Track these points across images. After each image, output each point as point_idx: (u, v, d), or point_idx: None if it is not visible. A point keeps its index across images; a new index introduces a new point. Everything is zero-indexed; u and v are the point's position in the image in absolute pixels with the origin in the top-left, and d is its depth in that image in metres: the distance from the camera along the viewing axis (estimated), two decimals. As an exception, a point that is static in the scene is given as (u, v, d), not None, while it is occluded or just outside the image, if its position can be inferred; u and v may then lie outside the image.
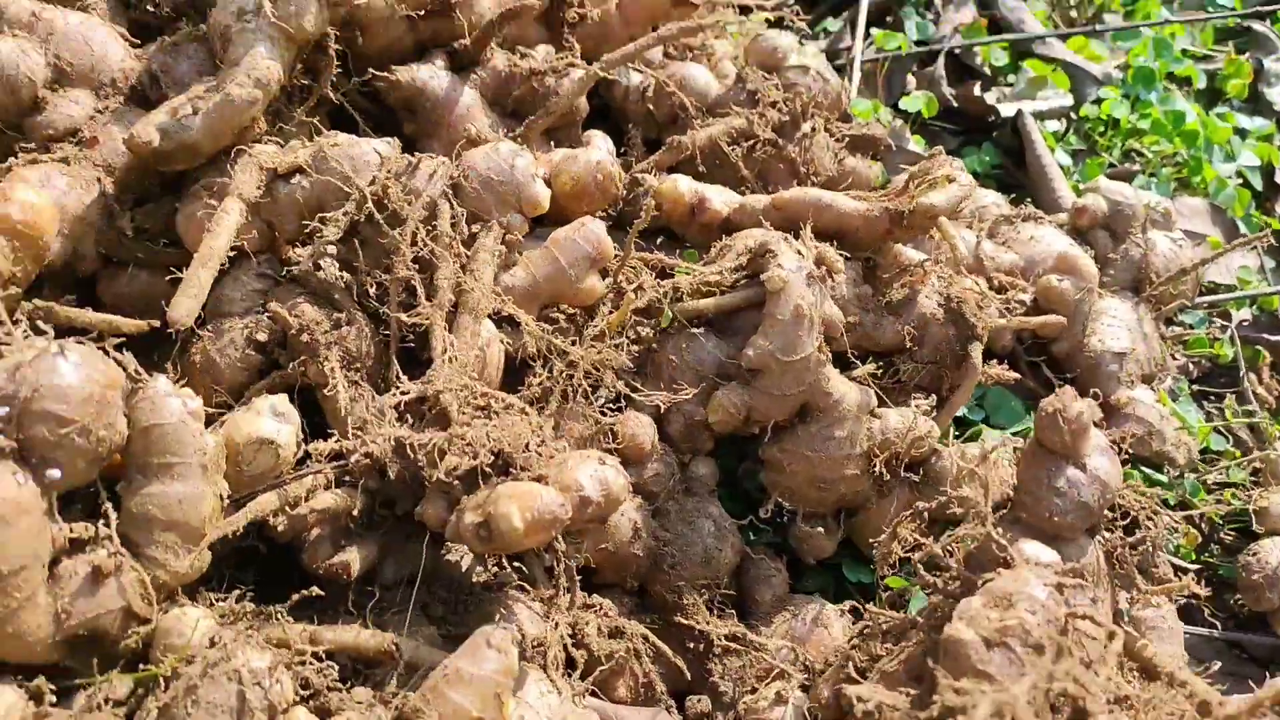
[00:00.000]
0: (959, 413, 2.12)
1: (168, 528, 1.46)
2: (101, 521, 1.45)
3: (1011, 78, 2.91)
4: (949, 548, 1.49)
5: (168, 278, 1.72)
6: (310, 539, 1.64)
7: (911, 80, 2.91)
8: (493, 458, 1.52)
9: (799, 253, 1.84)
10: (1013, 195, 2.52)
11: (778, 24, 2.75)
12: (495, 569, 1.73)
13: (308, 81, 1.97)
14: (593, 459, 1.57)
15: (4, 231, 1.51)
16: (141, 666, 1.43)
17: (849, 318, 1.95)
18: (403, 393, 1.58)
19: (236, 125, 1.75)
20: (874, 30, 2.98)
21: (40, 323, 1.51)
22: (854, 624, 1.85)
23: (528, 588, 1.73)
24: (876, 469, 1.86)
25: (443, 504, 1.58)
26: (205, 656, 1.37)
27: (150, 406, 1.47)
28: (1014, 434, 2.19)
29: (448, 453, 1.53)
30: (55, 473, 1.38)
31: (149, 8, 2.04)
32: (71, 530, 1.43)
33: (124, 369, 1.47)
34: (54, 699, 1.38)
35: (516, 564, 1.74)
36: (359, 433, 1.61)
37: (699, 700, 1.76)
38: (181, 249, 1.82)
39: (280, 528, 1.56)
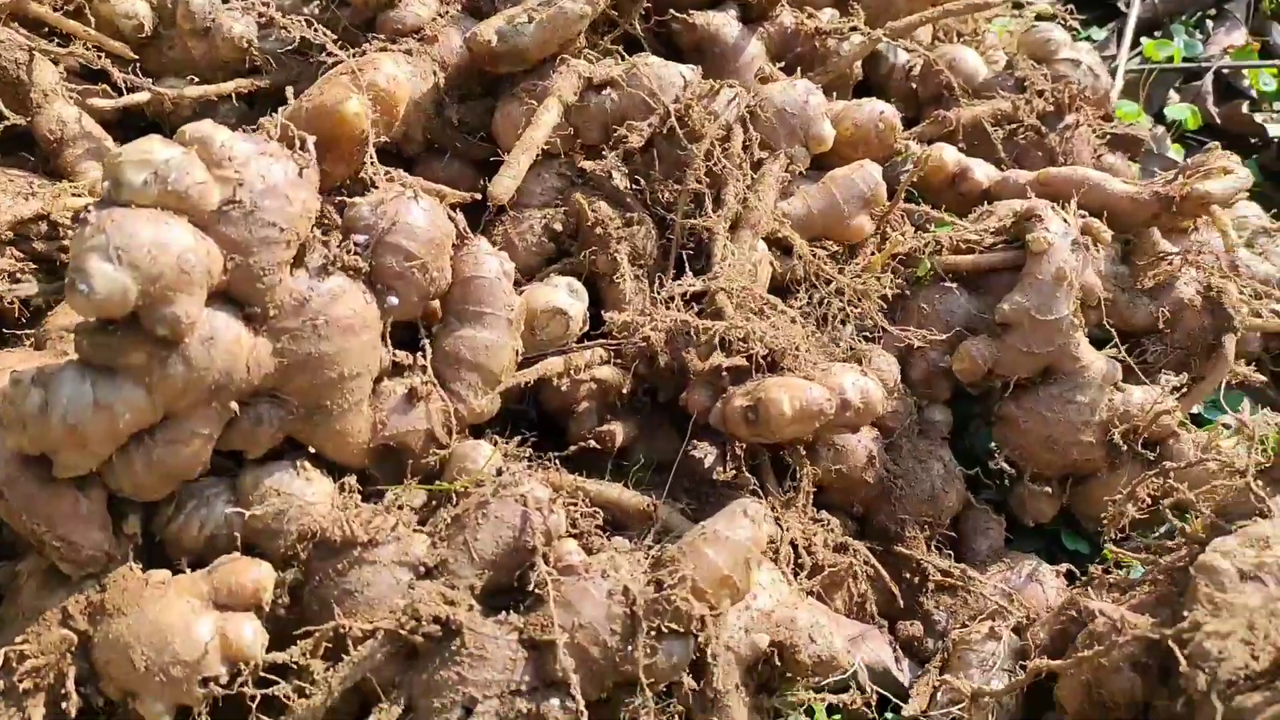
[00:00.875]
0: (1195, 409, 2.12)
1: (472, 368, 1.65)
2: (419, 354, 1.65)
3: (1278, 105, 2.86)
4: (1181, 517, 1.52)
5: (474, 170, 1.93)
6: (578, 410, 1.80)
7: (1174, 95, 2.90)
8: (765, 352, 1.64)
9: (1065, 220, 1.90)
10: (1273, 211, 2.48)
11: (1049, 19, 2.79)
12: (735, 471, 1.85)
13: (615, 14, 2.15)
14: (855, 369, 1.67)
15: (370, 95, 1.73)
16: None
17: (1105, 294, 1.98)
18: (689, 284, 1.72)
19: (564, 37, 1.93)
20: (1143, 39, 2.97)
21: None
22: (1068, 586, 1.89)
23: (761, 495, 1.84)
24: (1113, 439, 1.89)
25: (708, 393, 1.72)
26: (497, 480, 1.53)
27: (473, 261, 1.66)
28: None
29: (721, 347, 1.67)
30: (394, 300, 1.58)
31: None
32: (395, 355, 1.63)
33: (455, 225, 1.66)
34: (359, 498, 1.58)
35: (753, 470, 1.85)
36: (628, 318, 1.76)
37: (911, 624, 1.83)
38: (491, 144, 2.02)
39: (564, 387, 1.73)
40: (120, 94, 2.02)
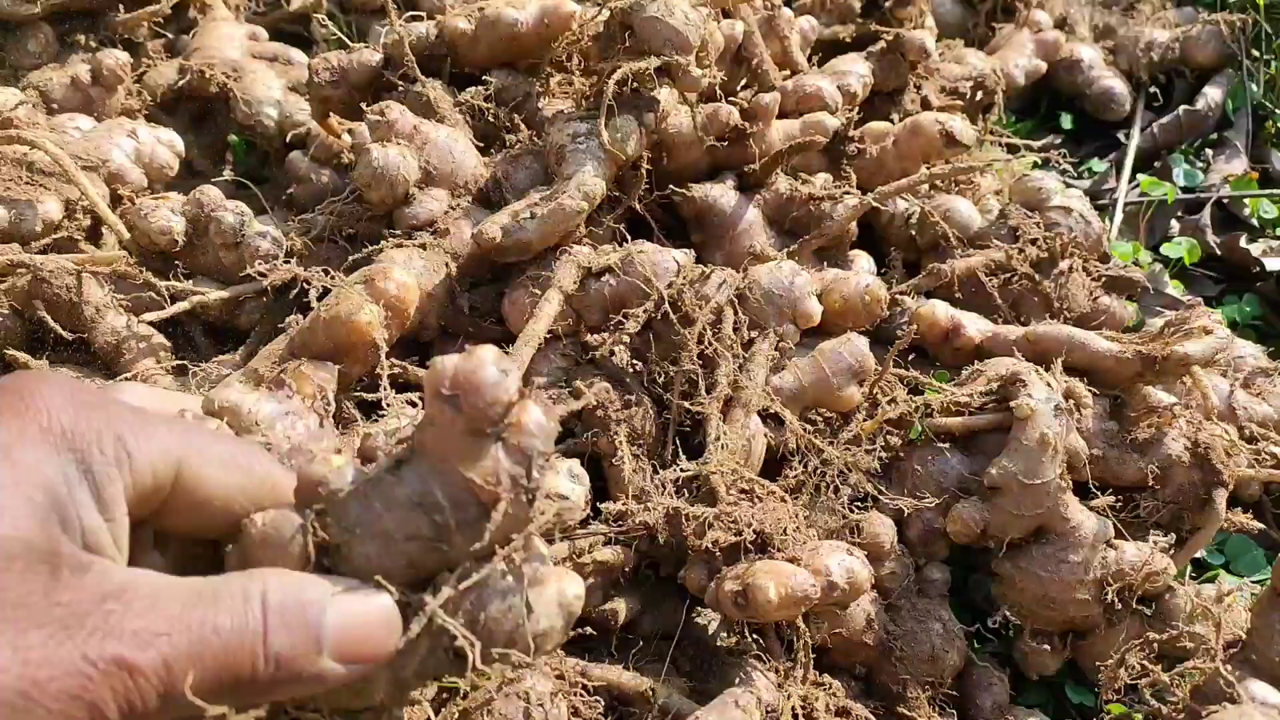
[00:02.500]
0: (1198, 555, 2.15)
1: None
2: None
3: (1280, 230, 2.91)
4: (1176, 679, 1.56)
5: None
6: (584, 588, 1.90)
7: (1175, 225, 2.97)
8: (754, 536, 1.73)
9: (1049, 385, 1.98)
10: (1271, 348, 2.53)
11: (1044, 164, 2.90)
12: (738, 637, 1.92)
13: (617, 194, 2.30)
14: (841, 549, 1.75)
15: (383, 304, 1.88)
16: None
17: (1093, 450, 2.05)
18: (682, 469, 1.82)
19: (563, 230, 2.08)
20: (1140, 176, 3.06)
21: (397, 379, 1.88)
22: (1072, 745, 1.92)
23: (765, 658, 1.92)
24: (1108, 597, 1.94)
25: (704, 571, 1.81)
26: (501, 675, 1.63)
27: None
28: (1254, 582, 2.20)
29: (714, 526, 1.76)
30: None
31: (490, 119, 2.45)
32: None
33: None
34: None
35: (755, 636, 1.93)
36: (638, 500, 1.86)
37: (915, 791, 1.87)
38: (503, 326, 2.17)
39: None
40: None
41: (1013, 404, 1.96)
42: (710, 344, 1.97)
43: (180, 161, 2.62)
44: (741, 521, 1.74)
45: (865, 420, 2.06)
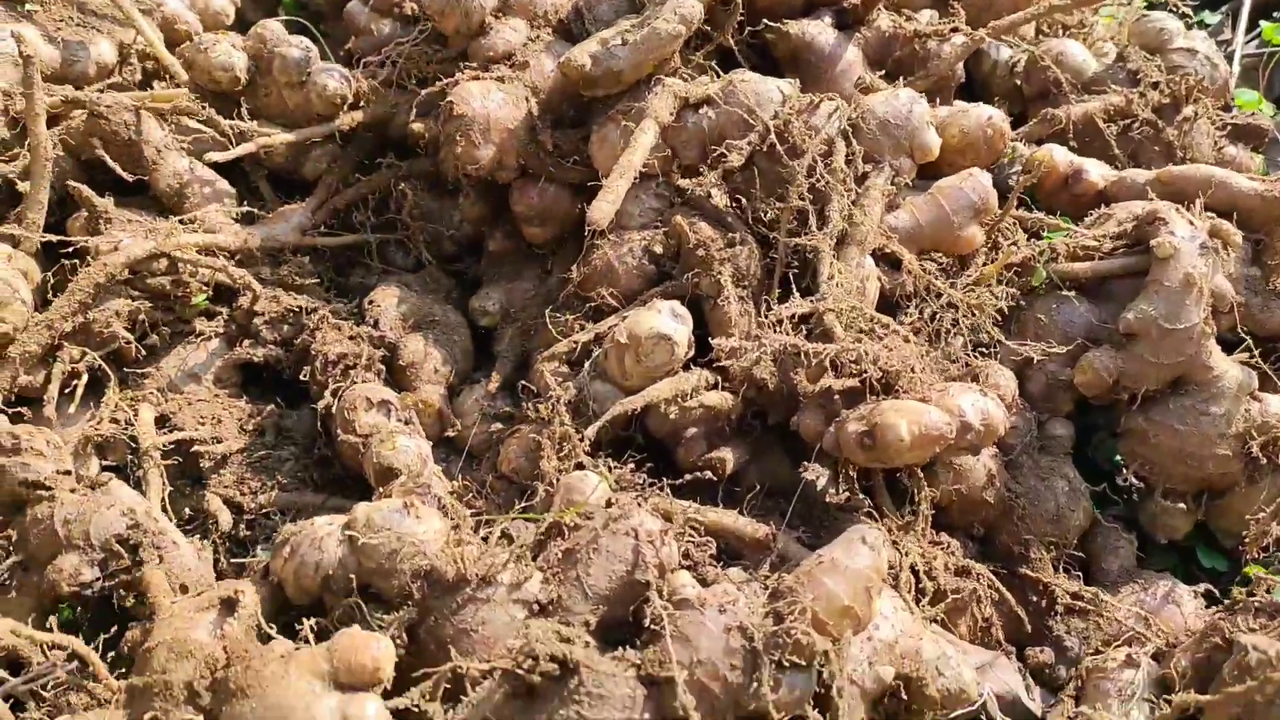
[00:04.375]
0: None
1: (579, 399, 1.63)
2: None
3: None
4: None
5: (570, 193, 1.93)
6: (686, 436, 1.77)
7: (1299, 77, 2.74)
8: (879, 375, 1.59)
9: (1191, 223, 1.80)
10: None
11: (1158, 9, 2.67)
12: (848, 492, 1.79)
13: (708, 28, 2.11)
14: (973, 389, 1.61)
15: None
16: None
17: (1237, 297, 1.88)
18: (797, 305, 1.67)
19: (658, 57, 1.91)
20: (1261, 23, 2.82)
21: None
22: (1207, 608, 1.79)
23: (876, 516, 1.79)
24: (1251, 452, 1.79)
25: (820, 416, 1.67)
26: (606, 513, 1.51)
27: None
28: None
29: (837, 367, 1.62)
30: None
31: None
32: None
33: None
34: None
35: (866, 493, 1.80)
36: (749, 340, 1.72)
37: (1041, 651, 1.75)
38: (587, 167, 2.01)
39: (672, 414, 1.70)
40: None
41: (1152, 243, 1.79)
42: (821, 177, 1.81)
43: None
44: (865, 359, 1.60)
45: (985, 264, 1.90)
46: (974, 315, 1.80)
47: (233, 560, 1.76)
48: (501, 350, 2.00)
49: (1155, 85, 2.27)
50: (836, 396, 1.63)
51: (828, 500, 1.80)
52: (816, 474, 1.83)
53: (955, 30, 2.18)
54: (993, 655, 1.72)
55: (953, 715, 1.59)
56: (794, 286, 1.84)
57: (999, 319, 1.86)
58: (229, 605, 1.43)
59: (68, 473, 1.66)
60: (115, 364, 1.89)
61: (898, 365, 1.60)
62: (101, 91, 2.06)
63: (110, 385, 1.86)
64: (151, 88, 2.28)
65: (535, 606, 1.47)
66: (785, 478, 1.83)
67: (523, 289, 2.09)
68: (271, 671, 1.32)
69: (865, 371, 1.59)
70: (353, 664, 1.32)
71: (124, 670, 1.46)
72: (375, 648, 1.33)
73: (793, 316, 1.69)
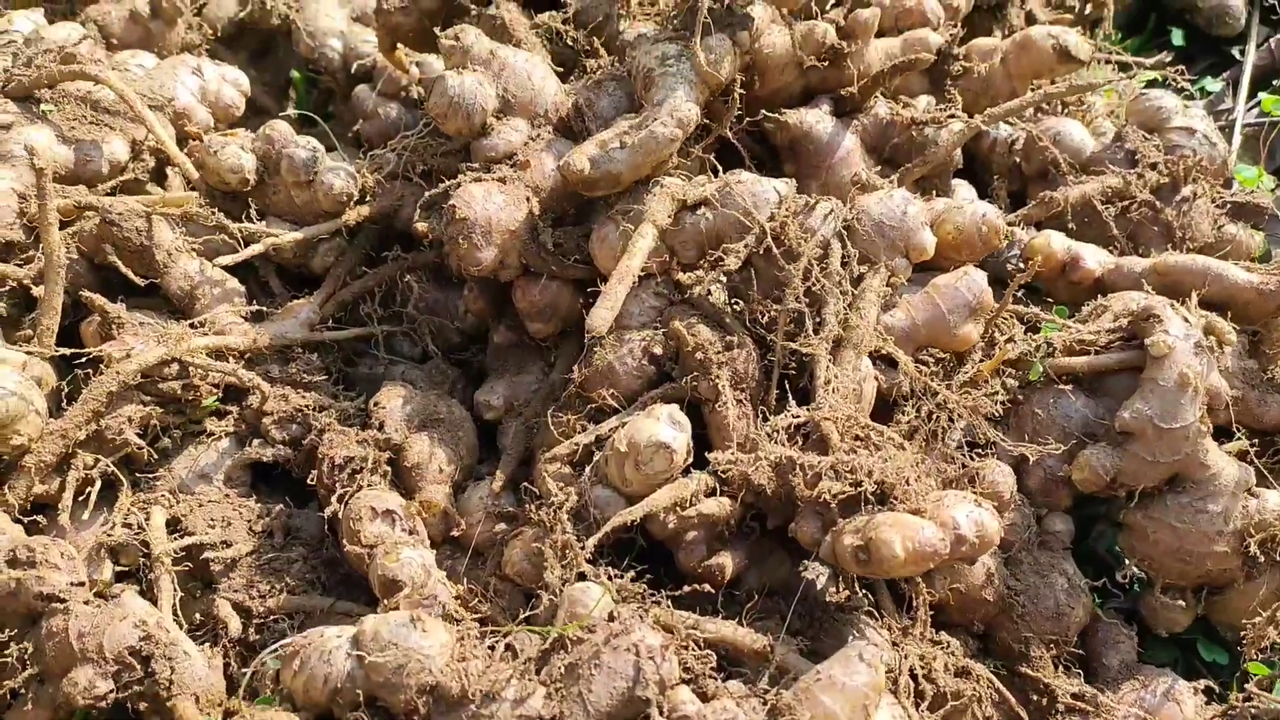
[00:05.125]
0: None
1: (579, 510, 1.66)
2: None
3: None
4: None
5: (571, 289, 1.97)
6: (687, 540, 1.80)
7: (1299, 147, 2.75)
8: (874, 486, 1.61)
9: (1185, 319, 1.82)
10: None
11: (1159, 83, 2.70)
12: (849, 592, 1.81)
13: (706, 121, 2.15)
14: (969, 500, 1.63)
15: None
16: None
17: (1232, 391, 1.89)
18: (793, 415, 1.70)
19: (655, 160, 1.94)
20: (1260, 95, 2.84)
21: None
22: (1207, 704, 1.80)
23: (877, 615, 1.81)
24: (1249, 549, 1.80)
25: (816, 524, 1.70)
26: (609, 628, 1.54)
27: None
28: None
29: (830, 476, 1.64)
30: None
31: (568, 43, 2.30)
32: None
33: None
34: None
35: (866, 591, 1.82)
36: (743, 449, 1.74)
37: (1042, 754, 1.76)
38: (587, 266, 2.04)
39: (670, 525, 1.73)
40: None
41: (1147, 341, 1.80)
42: (817, 280, 1.83)
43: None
44: (860, 470, 1.62)
45: (982, 361, 1.92)
46: (969, 415, 1.82)
47: (242, 668, 1.78)
48: (506, 447, 2.03)
49: (1154, 166, 2.29)
50: (833, 505, 1.65)
51: (828, 599, 1.83)
52: (816, 573, 1.85)
53: (953, 117, 2.21)
54: (996, 759, 1.73)
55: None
56: (791, 389, 1.87)
57: (996, 416, 1.88)
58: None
59: (82, 584, 1.70)
60: (127, 468, 1.93)
61: (893, 476, 1.62)
62: (114, 192, 2.12)
63: (123, 491, 1.90)
64: (165, 179, 2.34)
65: (538, 723, 1.50)
66: (785, 578, 1.85)
67: (526, 383, 2.12)
68: None
69: (860, 482, 1.61)
70: None
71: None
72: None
73: (789, 425, 1.71)
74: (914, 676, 1.69)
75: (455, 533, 1.93)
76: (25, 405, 1.79)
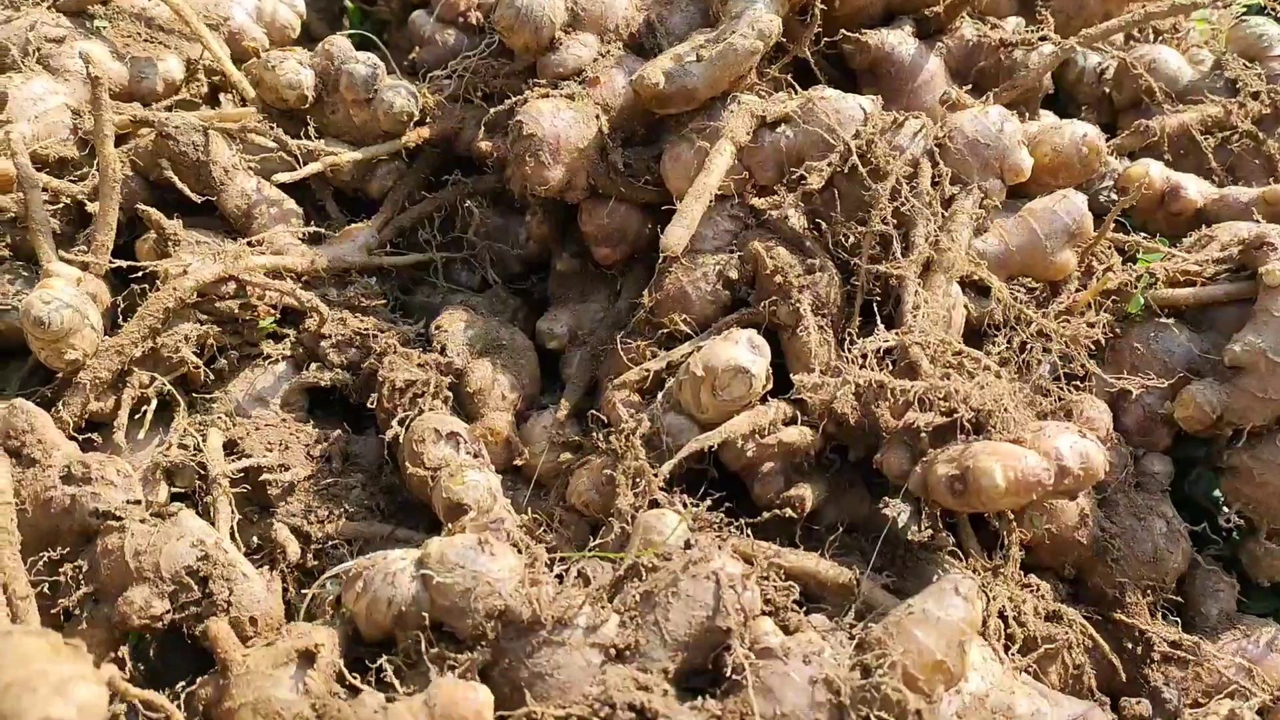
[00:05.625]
0: None
1: (654, 434, 1.58)
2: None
3: None
4: None
5: (640, 213, 1.89)
6: (763, 471, 1.71)
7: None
8: (971, 414, 1.51)
9: (1302, 248, 1.70)
10: None
11: (1258, 12, 2.54)
12: (931, 531, 1.72)
13: (783, 40, 2.03)
14: (1071, 430, 1.53)
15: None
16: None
17: (1350, 325, 1.77)
18: (882, 339, 1.60)
19: (734, 74, 1.84)
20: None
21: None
22: (1314, 657, 1.69)
23: (961, 556, 1.72)
24: (1365, 493, 1.68)
25: (905, 455, 1.60)
26: (686, 555, 1.45)
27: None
28: None
29: (925, 404, 1.55)
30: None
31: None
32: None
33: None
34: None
35: (949, 531, 1.73)
36: (825, 374, 1.65)
37: (1138, 703, 1.67)
38: (658, 188, 1.95)
39: (749, 452, 1.64)
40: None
41: (1261, 270, 1.69)
42: (905, 201, 1.73)
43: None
44: (956, 397, 1.52)
45: (1077, 291, 1.81)
46: (1068, 345, 1.71)
47: (301, 591, 1.73)
48: (570, 376, 1.95)
49: (1255, 95, 2.16)
50: (923, 434, 1.55)
51: (910, 539, 1.74)
52: (897, 511, 1.76)
53: (1044, 39, 2.08)
54: (1086, 706, 1.62)
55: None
56: (876, 315, 1.77)
57: (1093, 349, 1.77)
58: (308, 658, 1.40)
59: (138, 502, 1.65)
60: (183, 388, 1.87)
61: (990, 403, 1.52)
62: (169, 110, 2.05)
63: (179, 411, 1.84)
64: (219, 103, 2.27)
65: (612, 651, 1.42)
66: (864, 515, 1.76)
67: (591, 311, 2.04)
68: None
69: (955, 410, 1.51)
70: (453, 715, 1.29)
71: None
72: (474, 698, 1.30)
73: (877, 350, 1.61)
74: (1004, 619, 1.60)
75: (518, 462, 1.86)
76: (80, 319, 1.73)
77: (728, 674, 1.39)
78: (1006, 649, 1.58)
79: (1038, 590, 1.68)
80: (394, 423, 1.77)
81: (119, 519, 1.61)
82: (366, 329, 1.94)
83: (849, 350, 1.65)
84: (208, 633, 1.47)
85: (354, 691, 1.39)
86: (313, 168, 2.00)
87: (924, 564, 1.69)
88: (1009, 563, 1.61)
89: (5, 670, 1.07)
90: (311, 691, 1.38)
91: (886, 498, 1.77)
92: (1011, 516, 1.61)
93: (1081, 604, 1.75)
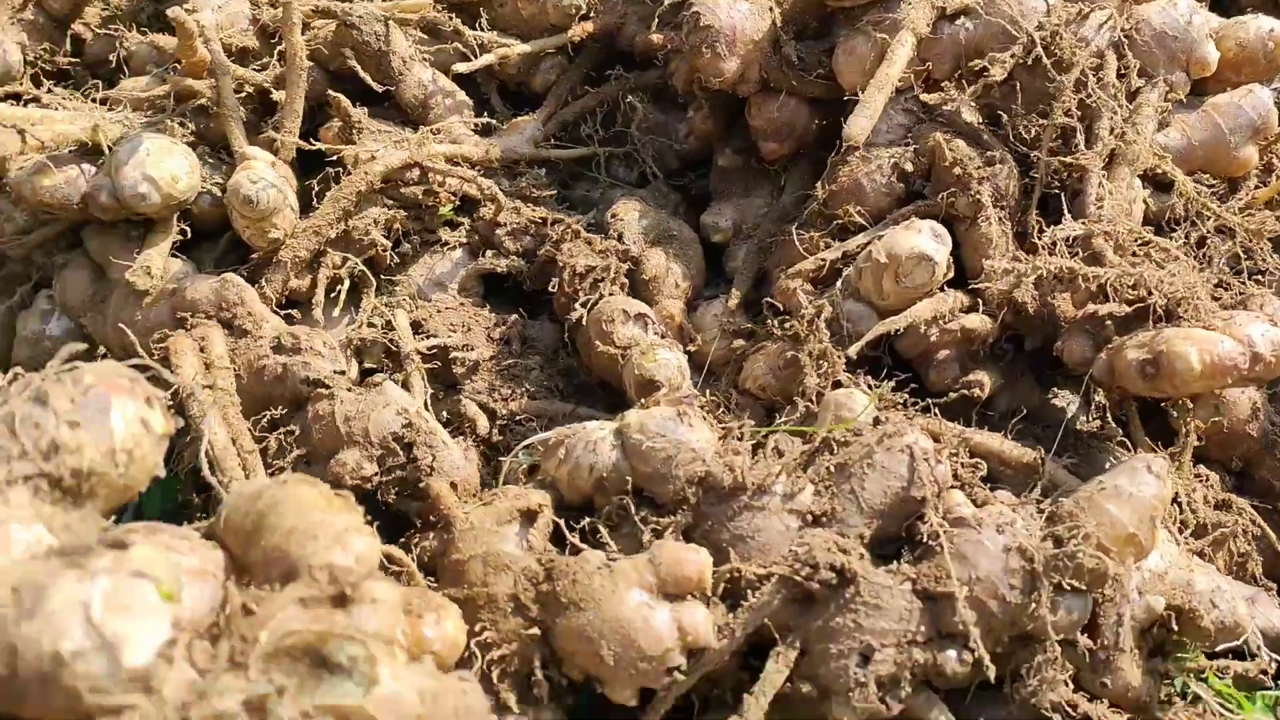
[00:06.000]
0: None
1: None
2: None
3: None
4: None
5: (808, 108, 1.92)
6: (939, 359, 1.76)
7: None
8: (1163, 301, 1.54)
9: None
10: None
11: None
12: (1101, 421, 1.76)
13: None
14: (1261, 318, 1.55)
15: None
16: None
17: None
18: (1071, 228, 1.63)
19: (913, -37, 1.85)
20: None
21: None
22: None
23: (1130, 447, 1.75)
24: None
25: (1088, 343, 1.64)
26: (880, 429, 1.51)
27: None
28: None
29: (1107, 292, 1.58)
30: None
31: None
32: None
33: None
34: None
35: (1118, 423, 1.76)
36: (1009, 264, 1.68)
37: (1303, 589, 1.71)
38: (828, 82, 1.97)
39: (932, 337, 1.69)
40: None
41: None
42: (1091, 93, 1.73)
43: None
44: (1146, 284, 1.55)
45: (1257, 188, 1.81)
46: (1251, 239, 1.72)
47: (488, 465, 1.82)
48: (737, 268, 2.00)
49: None
50: (1109, 322, 1.59)
51: (1079, 429, 1.78)
52: (1067, 400, 1.80)
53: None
54: (1255, 591, 1.68)
55: (1217, 648, 1.58)
56: (1064, 204, 1.77)
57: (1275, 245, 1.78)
58: (529, 517, 1.49)
59: (342, 372, 1.74)
60: (370, 271, 1.96)
61: (1182, 290, 1.54)
62: (350, 1, 2.10)
63: (368, 291, 1.93)
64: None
65: (809, 517, 1.49)
66: (1034, 405, 1.81)
67: (755, 206, 2.08)
68: (600, 585, 1.38)
69: (1145, 297, 1.54)
70: (679, 575, 1.37)
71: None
72: (697, 559, 1.38)
73: (1068, 239, 1.64)
74: (1177, 504, 1.65)
75: (690, 348, 1.92)
76: (282, 198, 1.81)
77: (922, 541, 1.46)
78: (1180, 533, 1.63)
79: (1207, 480, 1.72)
80: (576, 305, 1.84)
81: (328, 387, 1.70)
82: (540, 217, 2.00)
83: (1038, 239, 1.67)
84: (429, 491, 1.57)
85: (571, 550, 1.48)
86: (486, 59, 2.05)
87: (1095, 452, 1.74)
88: (1184, 450, 1.65)
89: (286, 516, 1.13)
90: (534, 547, 1.47)
91: (1056, 388, 1.81)
92: (1190, 405, 1.63)
93: (1247, 496, 1.78)
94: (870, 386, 1.65)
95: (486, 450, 1.86)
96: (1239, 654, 1.60)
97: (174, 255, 1.89)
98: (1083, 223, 1.65)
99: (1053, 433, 1.74)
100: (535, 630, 1.39)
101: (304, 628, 1.04)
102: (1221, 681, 1.61)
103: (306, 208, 1.92)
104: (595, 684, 1.41)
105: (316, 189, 1.91)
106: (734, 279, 1.98)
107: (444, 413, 1.88)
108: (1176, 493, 1.65)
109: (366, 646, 1.03)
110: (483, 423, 1.83)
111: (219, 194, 1.92)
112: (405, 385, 1.83)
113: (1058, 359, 1.72)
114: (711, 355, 1.91)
